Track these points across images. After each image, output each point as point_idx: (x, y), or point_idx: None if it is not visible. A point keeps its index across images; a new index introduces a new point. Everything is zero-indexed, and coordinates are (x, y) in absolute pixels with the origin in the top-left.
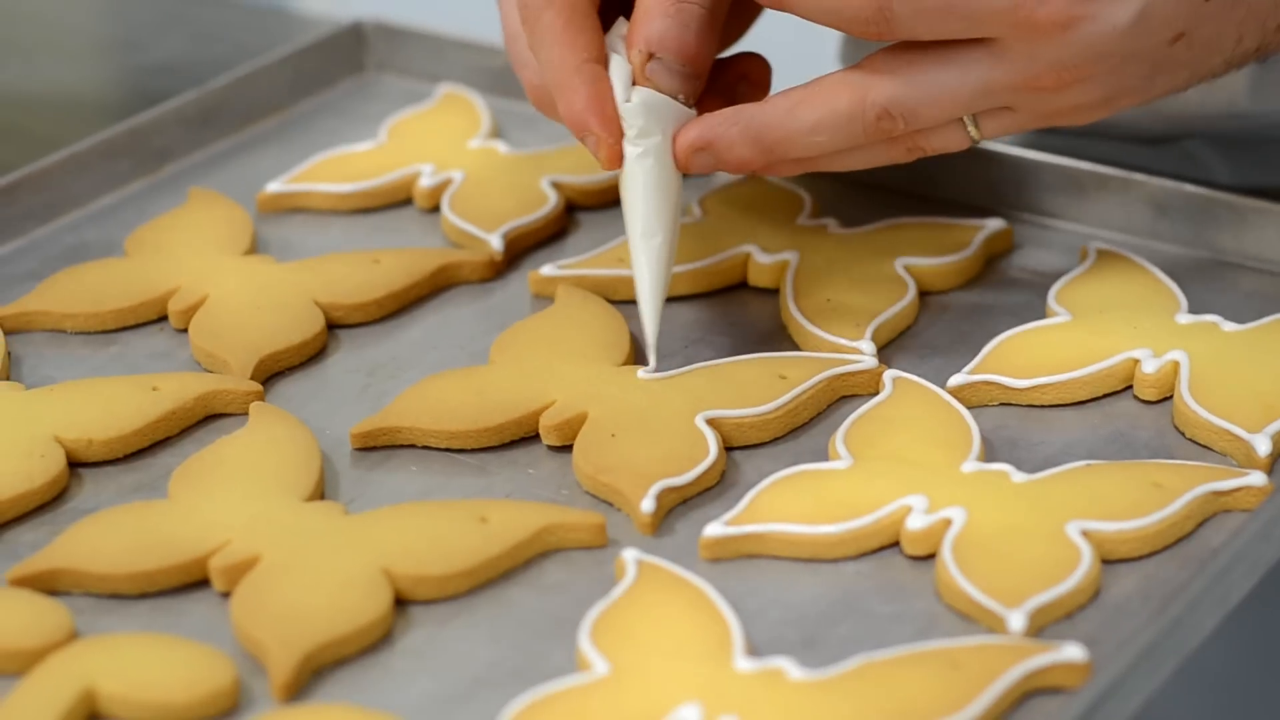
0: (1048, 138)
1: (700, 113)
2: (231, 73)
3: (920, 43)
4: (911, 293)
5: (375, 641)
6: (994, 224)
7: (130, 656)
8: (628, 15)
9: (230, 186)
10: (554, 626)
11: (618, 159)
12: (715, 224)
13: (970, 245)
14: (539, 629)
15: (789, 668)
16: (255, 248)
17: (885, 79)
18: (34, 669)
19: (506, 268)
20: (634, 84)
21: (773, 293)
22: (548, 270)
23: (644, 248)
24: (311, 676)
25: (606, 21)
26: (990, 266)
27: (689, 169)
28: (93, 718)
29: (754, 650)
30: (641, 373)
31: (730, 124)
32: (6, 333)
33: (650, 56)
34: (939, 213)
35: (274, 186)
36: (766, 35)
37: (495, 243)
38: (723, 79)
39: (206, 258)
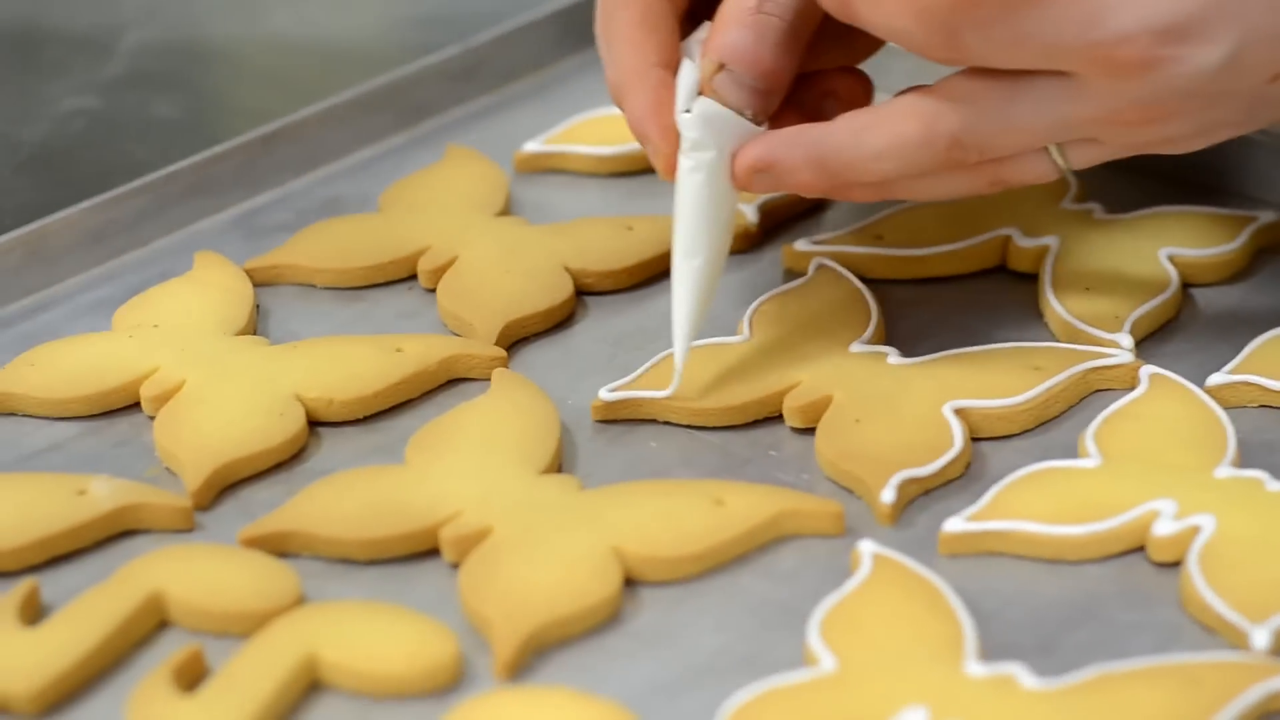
0: None
1: (776, 129)
2: (497, 28)
3: (996, 70)
4: (1174, 285)
5: (602, 622)
6: (1266, 216)
7: (354, 625)
8: None
9: (488, 144)
10: (784, 616)
11: (673, 170)
12: (976, 204)
13: (1239, 237)
14: (768, 618)
15: (1021, 675)
16: (509, 208)
17: (956, 106)
18: (258, 633)
19: (762, 240)
20: (701, 94)
21: (1031, 277)
22: (802, 245)
23: (684, 268)
24: (535, 655)
25: (700, 22)
26: (1259, 261)
27: (748, 189)
28: (313, 684)
29: (987, 653)
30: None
31: (793, 145)
32: (256, 284)
33: (720, 67)
34: (1211, 202)
35: (531, 146)
36: None
37: (751, 214)
38: (808, 94)
39: (459, 217)
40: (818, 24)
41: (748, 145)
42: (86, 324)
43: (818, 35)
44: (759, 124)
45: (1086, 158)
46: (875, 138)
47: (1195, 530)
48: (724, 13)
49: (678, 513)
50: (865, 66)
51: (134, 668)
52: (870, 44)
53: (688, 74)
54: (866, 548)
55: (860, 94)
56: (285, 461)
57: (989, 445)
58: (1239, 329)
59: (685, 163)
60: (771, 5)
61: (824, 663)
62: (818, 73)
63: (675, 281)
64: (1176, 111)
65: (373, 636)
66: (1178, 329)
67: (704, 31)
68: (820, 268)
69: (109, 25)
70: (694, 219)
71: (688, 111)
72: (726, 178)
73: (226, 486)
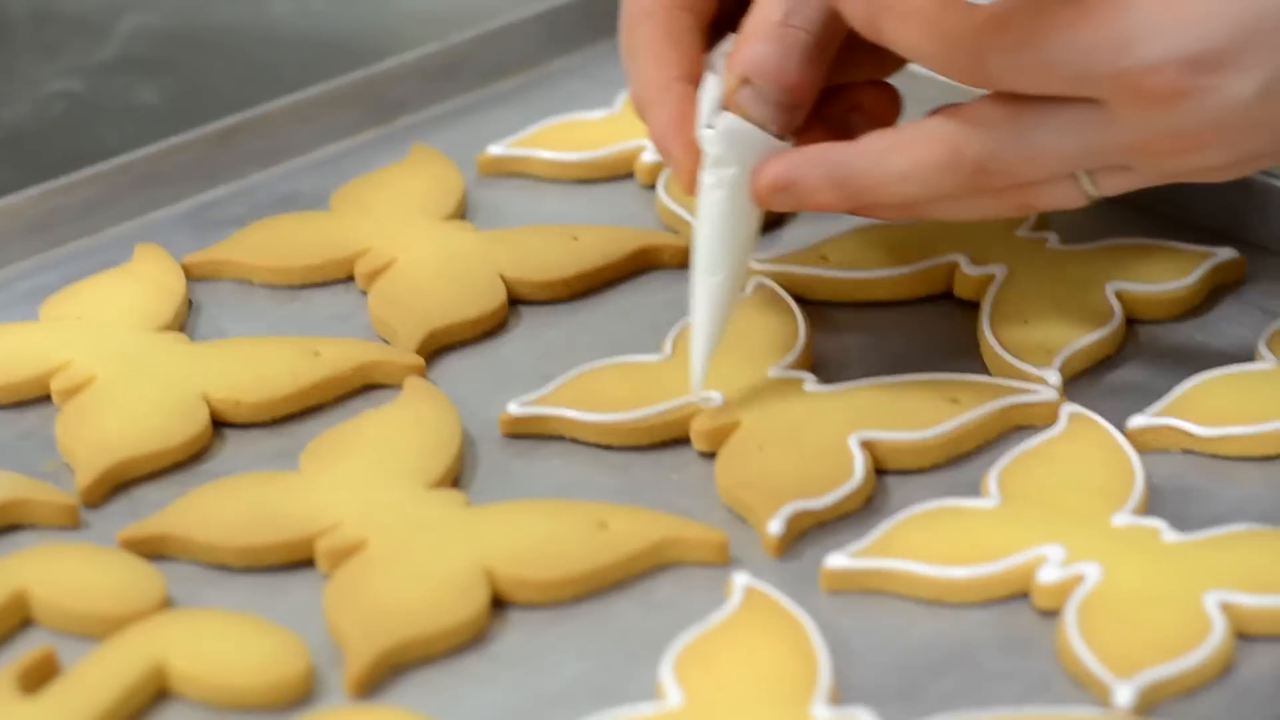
0: None
1: (802, 143)
2: (482, 26)
3: (1024, 95)
4: (1115, 322)
5: (464, 643)
6: (1224, 253)
7: (207, 634)
8: None
9: (460, 145)
10: (649, 646)
11: (694, 186)
12: (929, 228)
13: (1192, 274)
14: (633, 647)
15: None
16: (463, 212)
17: (983, 131)
18: (111, 637)
19: None
20: (724, 109)
21: (977, 306)
22: None
23: (703, 284)
24: (393, 673)
25: (724, 35)
26: (1214, 299)
27: (769, 207)
28: (163, 692)
29: (847, 695)
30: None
31: (815, 165)
32: (196, 279)
33: (745, 81)
34: (1179, 236)
35: (495, 149)
36: None
37: None
38: (834, 107)
39: (405, 220)
40: (844, 38)
41: (768, 163)
42: (19, 312)
43: (845, 49)
44: (783, 139)
45: (1118, 185)
46: (899, 160)
47: (1079, 579)
48: (749, 27)
49: (557, 535)
50: (896, 80)
51: None
52: (899, 58)
53: (711, 88)
54: (740, 580)
55: (887, 108)
56: (185, 462)
57: (896, 479)
58: (1178, 369)
59: (707, 179)
60: (798, 19)
61: (670, 698)
62: (844, 85)
63: (694, 298)
64: (1211, 142)
65: (224, 647)
66: (1116, 366)
67: (728, 44)
68: (757, 287)
69: (110, 6)
70: (714, 235)
71: (710, 127)
72: (748, 194)
73: (121, 485)
